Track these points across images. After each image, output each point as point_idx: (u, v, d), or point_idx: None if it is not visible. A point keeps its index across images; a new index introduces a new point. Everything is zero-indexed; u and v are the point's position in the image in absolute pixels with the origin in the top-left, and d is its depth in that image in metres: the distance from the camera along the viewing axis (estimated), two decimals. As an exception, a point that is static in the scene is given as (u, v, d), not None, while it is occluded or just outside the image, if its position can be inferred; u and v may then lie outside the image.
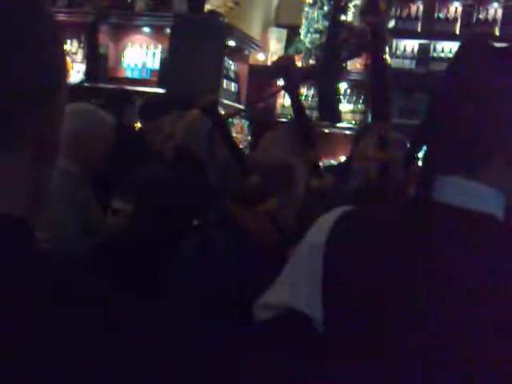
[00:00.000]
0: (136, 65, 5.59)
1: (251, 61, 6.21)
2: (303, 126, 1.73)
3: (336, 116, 5.54)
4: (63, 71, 0.70)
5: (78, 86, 5.44)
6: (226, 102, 5.54)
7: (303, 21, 5.93)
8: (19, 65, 0.63)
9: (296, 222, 1.78)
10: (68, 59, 5.68)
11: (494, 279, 0.90)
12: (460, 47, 1.00)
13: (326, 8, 5.78)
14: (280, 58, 1.82)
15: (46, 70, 0.66)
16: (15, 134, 0.65)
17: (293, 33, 6.11)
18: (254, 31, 6.22)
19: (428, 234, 0.94)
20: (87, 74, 5.58)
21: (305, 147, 1.71)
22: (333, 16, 5.45)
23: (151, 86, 5.36)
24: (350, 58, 5.06)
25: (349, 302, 0.98)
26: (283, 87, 1.83)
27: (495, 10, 5.50)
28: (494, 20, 5.48)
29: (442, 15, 5.61)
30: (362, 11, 5.50)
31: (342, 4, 5.76)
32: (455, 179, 0.96)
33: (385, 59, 1.49)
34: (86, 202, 2.35)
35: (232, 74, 5.96)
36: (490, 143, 0.94)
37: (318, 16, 5.83)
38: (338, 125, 5.76)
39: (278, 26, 6.39)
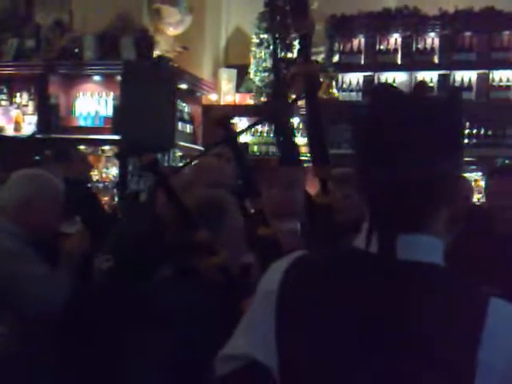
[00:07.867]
0: (89, 113, 5.60)
1: (204, 102, 6.30)
2: (246, 176, 1.73)
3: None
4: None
5: (30, 138, 5.43)
6: (182, 143, 5.59)
7: (252, 60, 6.06)
8: None
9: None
10: (19, 112, 5.68)
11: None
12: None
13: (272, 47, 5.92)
14: (215, 111, 1.81)
15: None
16: None
17: (242, 72, 6.23)
18: (205, 73, 6.32)
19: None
20: (39, 125, 5.57)
21: (250, 195, 1.71)
22: (276, 54, 5.53)
23: (105, 134, 5.38)
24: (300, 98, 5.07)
25: (299, 351, 0.99)
26: (223, 138, 1.81)
27: (432, 40, 5.70)
28: (432, 49, 5.70)
29: (383, 47, 5.80)
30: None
31: (287, 42, 5.90)
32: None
33: (318, 102, 1.43)
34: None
35: (186, 116, 6.02)
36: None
37: (265, 55, 5.96)
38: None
39: (228, 66, 6.50)
